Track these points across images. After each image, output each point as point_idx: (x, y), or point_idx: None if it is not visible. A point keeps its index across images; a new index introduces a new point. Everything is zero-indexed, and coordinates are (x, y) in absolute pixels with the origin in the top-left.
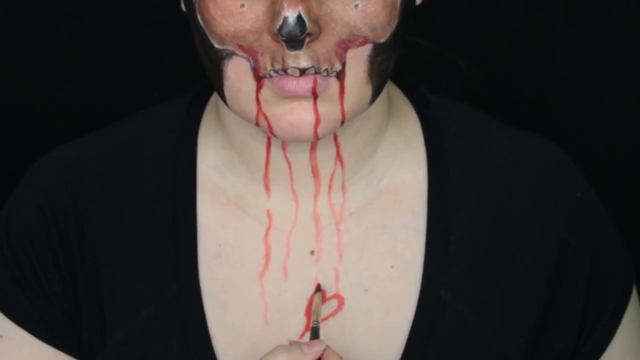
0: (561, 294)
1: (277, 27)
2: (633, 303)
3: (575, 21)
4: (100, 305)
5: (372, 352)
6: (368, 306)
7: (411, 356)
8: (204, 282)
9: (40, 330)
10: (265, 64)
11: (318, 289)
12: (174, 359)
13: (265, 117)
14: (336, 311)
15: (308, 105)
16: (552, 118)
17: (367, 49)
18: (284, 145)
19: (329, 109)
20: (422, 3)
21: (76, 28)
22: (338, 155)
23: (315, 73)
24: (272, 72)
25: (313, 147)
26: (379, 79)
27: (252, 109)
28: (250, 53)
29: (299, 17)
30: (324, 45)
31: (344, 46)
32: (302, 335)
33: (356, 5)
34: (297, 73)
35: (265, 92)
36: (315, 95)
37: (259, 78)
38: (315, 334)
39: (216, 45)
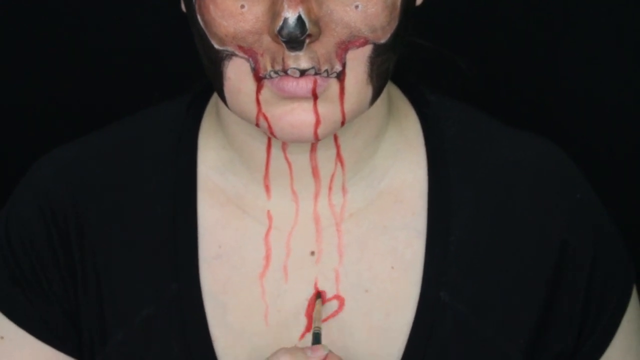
0: (561, 294)
1: (277, 28)
2: (633, 303)
3: (575, 21)
4: (100, 305)
5: (372, 352)
6: (368, 307)
7: (411, 357)
8: (204, 282)
9: (40, 330)
10: (266, 64)
11: (318, 295)
12: (174, 359)
13: (266, 118)
14: (336, 312)
15: (308, 106)
16: (552, 118)
17: (367, 49)
18: (284, 145)
19: (329, 110)
20: (422, 3)
21: (76, 28)
22: (338, 155)
23: (316, 74)
24: (272, 73)
25: (313, 147)
26: (379, 79)
27: (252, 109)
28: (251, 54)
29: (299, 18)
30: (324, 46)
31: (344, 47)
32: (303, 335)
33: (356, 6)
34: (297, 74)
35: (265, 93)
36: (315, 96)
37: (259, 79)
38: (317, 339)
39: (216, 46)
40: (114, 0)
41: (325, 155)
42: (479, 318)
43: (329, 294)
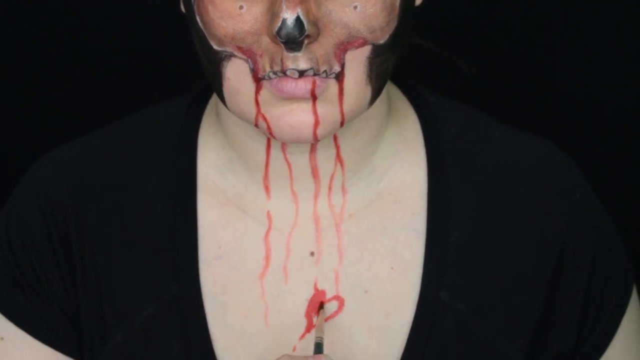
0: (561, 295)
1: (276, 29)
2: (633, 304)
3: (575, 22)
4: (100, 305)
5: (372, 353)
6: (368, 307)
7: (411, 357)
8: (204, 282)
9: (40, 331)
10: (264, 65)
11: (322, 306)
12: (174, 359)
13: (265, 119)
14: (336, 312)
15: (307, 106)
16: (552, 119)
17: (366, 50)
18: (283, 146)
19: (328, 111)
20: (421, 4)
21: (76, 28)
22: (338, 156)
23: (314, 75)
24: (271, 74)
25: (313, 148)
26: (378, 80)
27: (251, 110)
28: (249, 54)
29: (298, 19)
30: (322, 47)
31: (343, 48)
32: (303, 336)
33: (355, 7)
34: (296, 75)
35: (264, 94)
36: (314, 97)
37: (257, 79)
38: (319, 349)
39: (215, 47)
40: (114, 0)
41: (325, 155)
42: (478, 318)
43: (328, 295)
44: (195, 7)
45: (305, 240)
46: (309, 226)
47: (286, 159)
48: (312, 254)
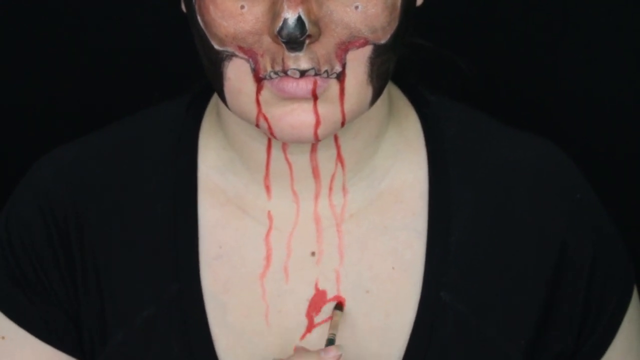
0: (561, 295)
1: (277, 28)
2: (634, 304)
3: (575, 22)
4: (100, 305)
5: (373, 353)
6: (369, 308)
7: (412, 357)
8: (204, 282)
9: (40, 330)
10: (265, 65)
11: (338, 306)
12: (174, 359)
13: (266, 119)
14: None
15: (308, 106)
16: (552, 118)
17: (367, 50)
18: (284, 146)
19: (329, 111)
20: (422, 4)
21: (76, 28)
22: (339, 156)
23: (316, 74)
24: (272, 74)
25: (314, 148)
26: (379, 80)
27: (252, 110)
28: (250, 54)
29: (299, 19)
30: (324, 47)
31: (344, 48)
32: (304, 336)
33: (356, 7)
34: (297, 74)
35: (265, 94)
36: (315, 97)
37: (259, 79)
38: (331, 344)
39: (216, 47)
40: (114, 0)
41: (326, 155)
42: (479, 318)
43: (329, 295)
44: (196, 7)
45: (306, 240)
46: (310, 226)
47: (287, 159)
48: (312, 254)
